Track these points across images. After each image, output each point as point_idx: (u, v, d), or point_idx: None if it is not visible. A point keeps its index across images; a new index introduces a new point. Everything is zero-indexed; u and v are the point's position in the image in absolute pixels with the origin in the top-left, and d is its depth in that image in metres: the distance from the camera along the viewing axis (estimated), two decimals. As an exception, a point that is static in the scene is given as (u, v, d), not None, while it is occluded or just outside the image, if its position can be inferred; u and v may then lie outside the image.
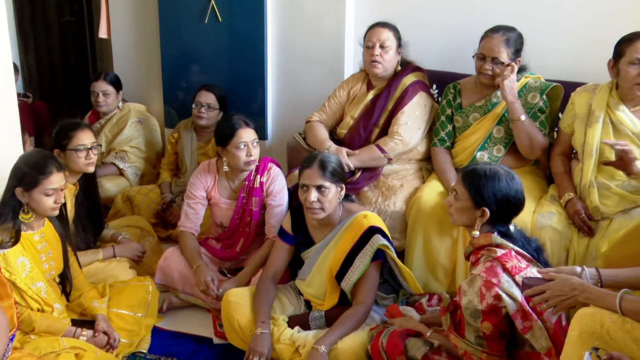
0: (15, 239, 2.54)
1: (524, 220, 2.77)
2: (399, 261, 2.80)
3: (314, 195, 2.73)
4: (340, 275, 2.76)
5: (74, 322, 2.72)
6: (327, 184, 2.74)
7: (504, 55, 3.04)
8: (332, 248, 2.82)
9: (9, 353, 2.30)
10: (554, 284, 2.04)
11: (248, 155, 3.08)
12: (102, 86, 4.20)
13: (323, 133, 3.43)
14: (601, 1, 3.37)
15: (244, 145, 3.07)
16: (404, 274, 2.83)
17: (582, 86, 3.02)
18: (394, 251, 2.78)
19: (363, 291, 2.72)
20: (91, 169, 3.12)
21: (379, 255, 2.74)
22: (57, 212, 2.66)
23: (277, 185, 3.18)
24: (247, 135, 3.08)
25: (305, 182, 2.77)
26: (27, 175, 2.57)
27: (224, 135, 3.10)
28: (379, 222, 2.80)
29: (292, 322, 2.80)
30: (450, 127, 3.29)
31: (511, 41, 3.05)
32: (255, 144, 3.11)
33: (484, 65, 3.07)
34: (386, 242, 2.73)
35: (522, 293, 2.13)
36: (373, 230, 2.73)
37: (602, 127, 2.85)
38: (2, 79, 2.96)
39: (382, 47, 3.27)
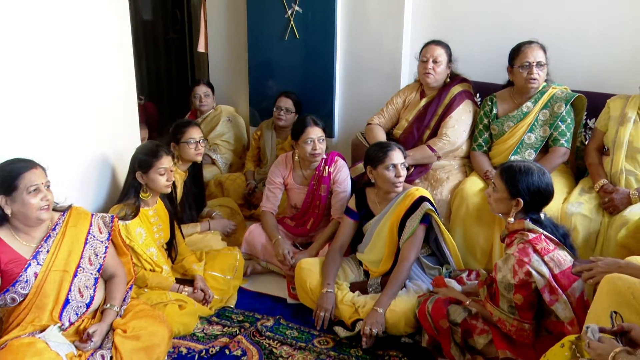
0: (135, 213, 2.69)
1: (552, 210, 2.75)
2: (442, 226, 2.84)
3: (404, 171, 2.84)
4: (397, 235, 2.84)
5: (178, 281, 2.85)
6: (405, 161, 2.87)
7: (544, 58, 3.05)
8: (389, 218, 2.88)
9: (129, 300, 2.47)
10: (602, 262, 2.00)
11: (313, 149, 3.15)
12: (203, 89, 4.32)
13: (382, 136, 3.44)
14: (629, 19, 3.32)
15: (311, 141, 3.15)
16: (447, 242, 2.87)
17: (617, 95, 3.01)
18: (439, 217, 2.85)
19: (407, 247, 2.77)
20: (199, 159, 3.23)
21: (426, 219, 2.81)
22: (169, 190, 2.78)
23: (342, 174, 3.24)
24: (314, 132, 3.15)
25: (394, 161, 2.82)
26: (144, 160, 2.71)
27: (297, 131, 3.19)
28: (427, 195, 2.88)
29: (353, 287, 2.87)
30: (487, 134, 3.27)
31: (543, 46, 3.07)
32: (321, 140, 3.17)
33: (531, 70, 3.03)
34: (432, 208, 2.80)
35: (572, 272, 2.11)
36: (422, 199, 2.82)
37: (633, 125, 2.85)
38: (126, 85, 3.11)
39: (435, 61, 3.28)
